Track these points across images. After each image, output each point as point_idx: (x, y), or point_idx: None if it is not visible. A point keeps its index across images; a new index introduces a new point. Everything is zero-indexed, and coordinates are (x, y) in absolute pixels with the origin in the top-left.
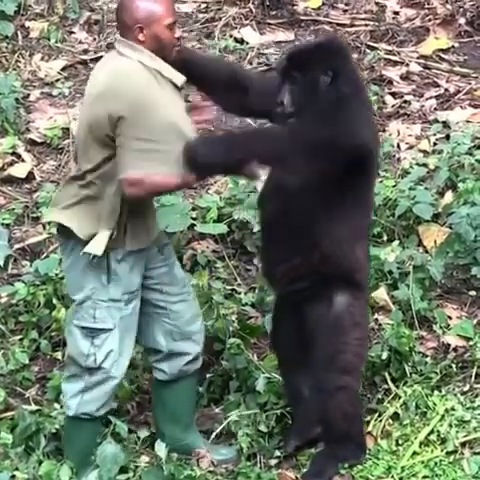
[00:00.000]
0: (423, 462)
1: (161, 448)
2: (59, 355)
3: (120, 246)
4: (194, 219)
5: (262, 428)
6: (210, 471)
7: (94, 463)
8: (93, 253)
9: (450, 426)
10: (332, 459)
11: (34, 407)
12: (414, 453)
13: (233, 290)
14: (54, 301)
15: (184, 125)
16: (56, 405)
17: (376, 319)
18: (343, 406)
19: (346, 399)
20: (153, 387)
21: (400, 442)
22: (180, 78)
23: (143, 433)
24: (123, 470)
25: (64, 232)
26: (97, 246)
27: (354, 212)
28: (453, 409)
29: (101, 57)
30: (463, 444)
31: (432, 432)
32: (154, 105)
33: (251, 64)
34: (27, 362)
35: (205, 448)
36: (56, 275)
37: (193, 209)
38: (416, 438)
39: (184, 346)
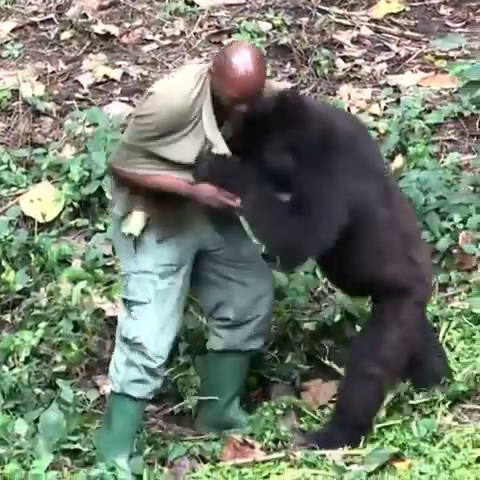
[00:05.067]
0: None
1: None
2: (8, 317)
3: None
4: None
5: None
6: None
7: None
8: (130, 233)
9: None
10: (330, 438)
11: None
12: None
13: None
14: (3, 263)
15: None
16: (4, 367)
17: (326, 282)
18: (365, 394)
19: (371, 389)
20: (202, 359)
21: None
22: (220, 146)
23: (93, 396)
24: (74, 433)
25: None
26: (134, 226)
27: (370, 233)
28: None
29: (51, 19)
30: (414, 408)
31: None
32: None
33: (201, 27)
34: None
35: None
36: (5, 237)
37: None
38: None
39: (248, 321)
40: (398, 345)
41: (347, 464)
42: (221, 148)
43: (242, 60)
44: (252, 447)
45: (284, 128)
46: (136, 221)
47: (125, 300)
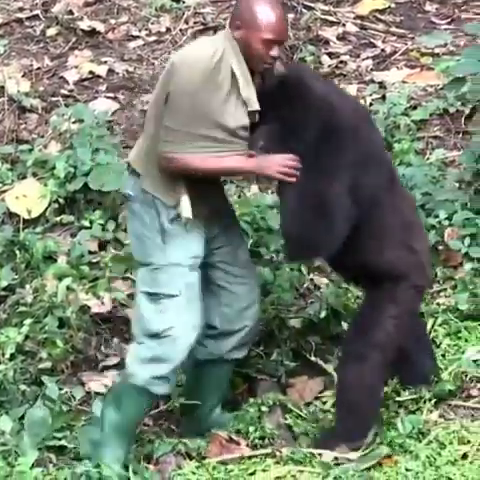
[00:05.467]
0: None
1: (97, 407)
2: None
3: (174, 207)
4: None
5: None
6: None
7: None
8: (187, 216)
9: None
10: (335, 432)
11: None
12: None
13: None
14: None
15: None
16: None
17: (311, 279)
18: (360, 375)
19: (366, 370)
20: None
21: None
22: (253, 104)
23: (78, 393)
24: (59, 430)
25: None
26: (186, 210)
27: (372, 219)
28: None
29: (37, 16)
30: (400, 405)
31: None
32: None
33: (187, 23)
34: None
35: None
36: None
37: None
38: None
39: (234, 331)
40: (393, 329)
41: (337, 464)
42: (254, 105)
43: (265, 4)
44: (238, 444)
45: (284, 110)
46: (186, 205)
47: (150, 293)
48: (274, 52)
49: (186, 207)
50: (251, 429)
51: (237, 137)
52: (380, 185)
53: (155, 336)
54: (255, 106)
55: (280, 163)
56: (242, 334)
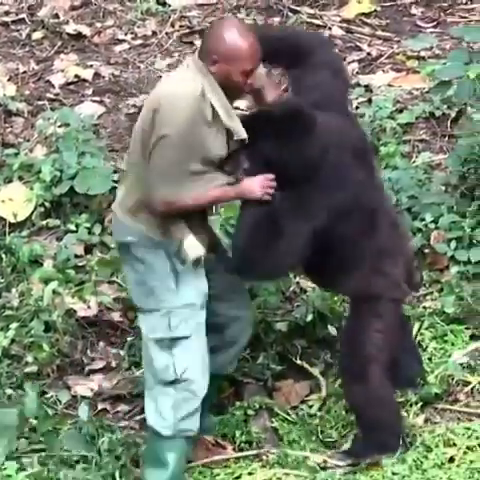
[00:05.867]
0: None
1: (83, 411)
2: None
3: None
4: (115, 182)
5: None
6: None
7: None
8: (198, 256)
9: None
10: (367, 445)
11: None
12: None
13: None
14: None
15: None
16: None
17: (298, 282)
18: (367, 395)
19: (370, 387)
20: None
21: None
22: (241, 133)
23: (64, 397)
24: (45, 434)
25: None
26: (195, 248)
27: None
28: None
29: (22, 19)
30: None
31: None
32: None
33: (173, 27)
34: None
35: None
36: None
37: (114, 172)
38: None
39: (232, 345)
40: (382, 342)
41: (323, 468)
42: (242, 134)
43: (237, 34)
44: (224, 448)
45: (275, 140)
46: (194, 243)
47: (162, 340)
48: (252, 80)
49: (195, 245)
50: (237, 433)
51: (215, 167)
52: (356, 229)
53: (175, 382)
54: (243, 135)
55: (263, 185)
56: (238, 348)
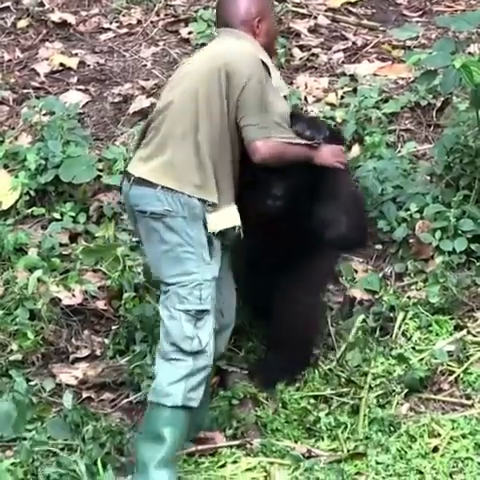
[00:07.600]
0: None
1: (68, 399)
2: None
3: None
4: (100, 171)
5: None
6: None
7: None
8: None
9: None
10: (279, 366)
11: None
12: None
13: (139, 242)
14: None
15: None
16: None
17: None
18: (302, 315)
19: (305, 308)
20: None
21: None
22: (285, 89)
23: (48, 385)
24: (29, 422)
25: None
26: (234, 218)
27: None
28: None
29: (7, 7)
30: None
31: None
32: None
33: (158, 15)
34: None
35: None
36: None
37: (99, 160)
38: None
39: (227, 326)
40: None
41: (308, 457)
42: (286, 90)
43: None
44: (209, 437)
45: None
46: (234, 213)
47: (192, 311)
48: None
49: (235, 215)
50: (222, 422)
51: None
52: None
53: (195, 353)
54: (286, 91)
55: (336, 154)
56: (230, 331)
